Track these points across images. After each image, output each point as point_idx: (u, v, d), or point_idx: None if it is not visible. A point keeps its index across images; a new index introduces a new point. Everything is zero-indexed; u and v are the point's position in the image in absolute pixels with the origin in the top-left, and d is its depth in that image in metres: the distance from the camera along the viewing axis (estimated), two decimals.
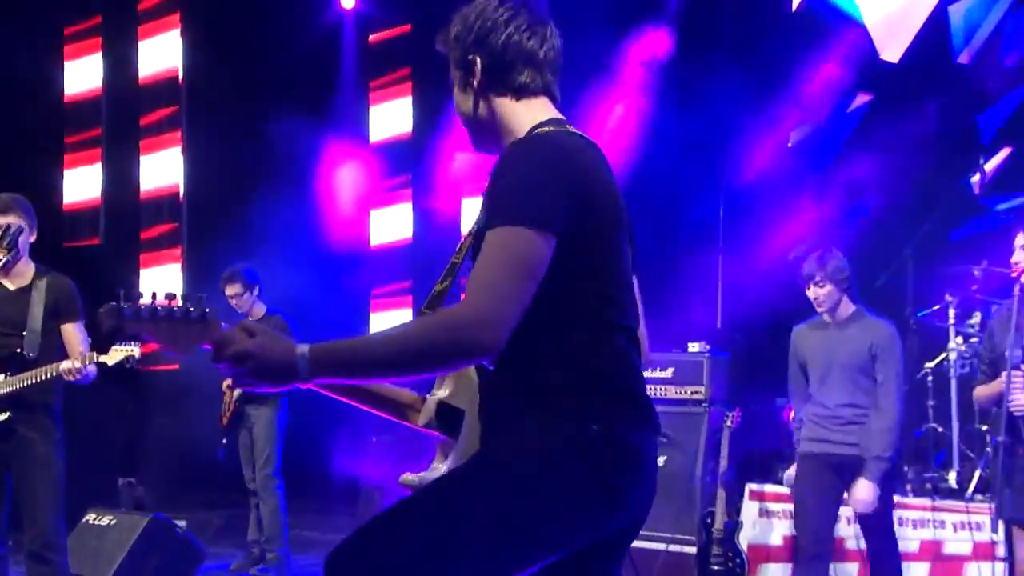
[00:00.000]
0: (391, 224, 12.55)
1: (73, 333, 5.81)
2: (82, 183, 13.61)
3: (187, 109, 12.96)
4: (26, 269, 5.74)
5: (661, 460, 7.96)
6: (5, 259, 5.43)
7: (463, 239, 2.91)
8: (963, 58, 9.47)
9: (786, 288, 9.16)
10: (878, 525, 6.18)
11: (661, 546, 7.78)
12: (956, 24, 9.48)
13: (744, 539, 7.59)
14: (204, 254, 12.17)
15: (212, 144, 12.65)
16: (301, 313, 10.80)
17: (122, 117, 13.33)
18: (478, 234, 2.61)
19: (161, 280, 12.98)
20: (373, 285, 12.49)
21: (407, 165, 12.43)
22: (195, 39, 12.88)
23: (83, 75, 13.63)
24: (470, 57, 2.77)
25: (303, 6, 12.28)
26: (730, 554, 7.56)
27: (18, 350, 5.63)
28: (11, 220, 5.58)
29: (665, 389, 8.27)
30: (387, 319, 12.34)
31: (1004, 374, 5.16)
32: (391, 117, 12.57)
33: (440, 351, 2.44)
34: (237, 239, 11.14)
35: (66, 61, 13.55)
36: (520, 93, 2.76)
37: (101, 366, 5.63)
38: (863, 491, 5.90)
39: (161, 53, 13.15)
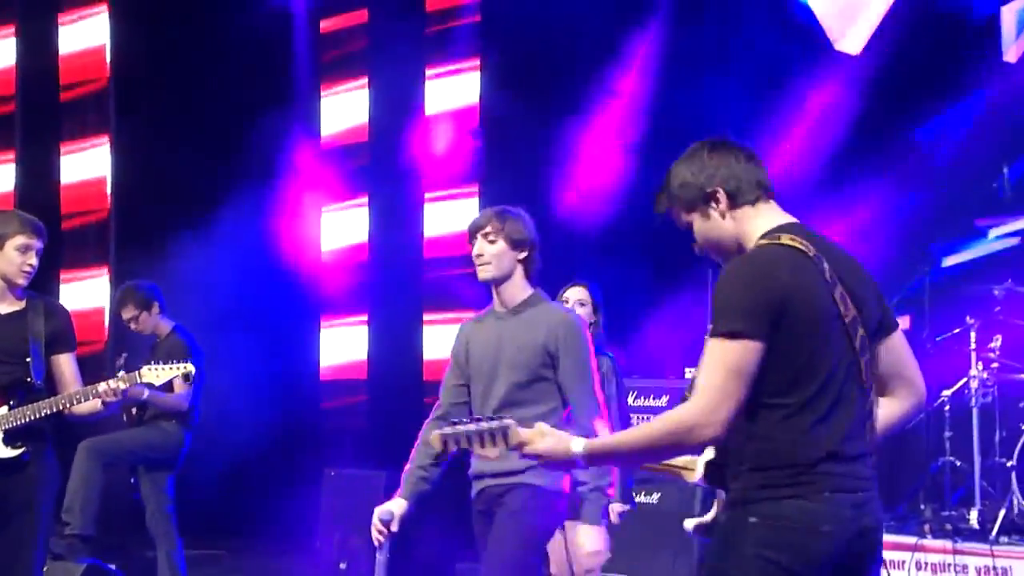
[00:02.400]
0: (345, 226, 12.70)
1: (68, 364, 5.94)
2: None
3: (116, 100, 13.12)
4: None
5: (655, 496, 8.39)
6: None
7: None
8: (1010, 56, 9.89)
9: None
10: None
11: None
12: (1008, 23, 9.98)
13: None
14: (137, 264, 11.93)
15: (144, 139, 12.81)
16: (248, 322, 10.97)
17: (40, 109, 13.52)
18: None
19: (86, 295, 13.09)
20: (324, 293, 12.68)
21: (363, 161, 12.57)
22: (125, 19, 13.02)
23: None
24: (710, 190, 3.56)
25: None
26: None
27: (27, 379, 5.73)
28: (41, 244, 5.85)
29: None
30: (338, 334, 12.57)
31: None
32: (345, 110, 12.72)
33: (675, 444, 3.27)
34: (173, 245, 11.32)
35: None
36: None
37: (148, 387, 5.95)
38: (586, 538, 5.15)
39: (86, 36, 13.31)
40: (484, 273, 5.29)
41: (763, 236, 3.50)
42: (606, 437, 3.67)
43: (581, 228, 10.70)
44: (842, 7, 10.40)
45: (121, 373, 5.84)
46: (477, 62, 11.79)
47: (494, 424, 3.55)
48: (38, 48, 13.62)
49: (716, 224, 3.56)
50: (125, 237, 13.18)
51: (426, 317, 11.94)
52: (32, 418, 5.67)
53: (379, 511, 5.20)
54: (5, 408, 5.70)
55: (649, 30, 10.69)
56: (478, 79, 11.81)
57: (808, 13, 10.29)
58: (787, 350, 3.29)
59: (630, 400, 8.56)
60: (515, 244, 5.27)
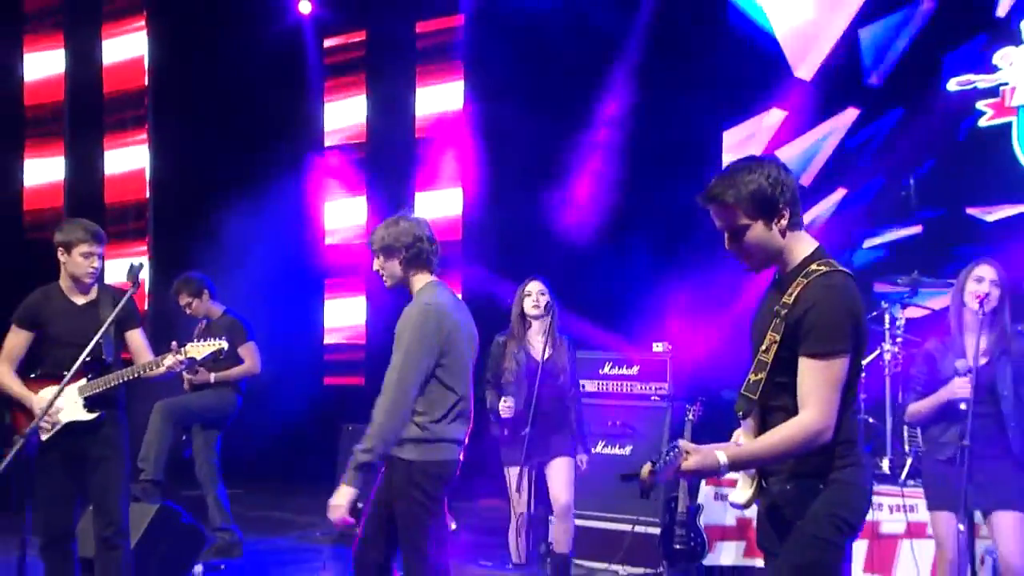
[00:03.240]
0: (345, 216, 12.91)
1: (138, 338, 6.24)
2: (44, 174, 13.87)
3: (152, 103, 13.27)
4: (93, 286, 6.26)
5: (627, 450, 8.71)
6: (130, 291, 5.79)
7: (768, 341, 3.69)
8: (872, 79, 9.99)
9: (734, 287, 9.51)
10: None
11: (628, 527, 8.41)
12: (866, 46, 10.00)
13: (702, 520, 8.18)
14: (172, 245, 12.46)
15: (177, 136, 12.97)
16: (265, 298, 11.01)
17: (86, 113, 13.56)
18: (786, 343, 3.61)
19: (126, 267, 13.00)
20: (327, 274, 12.92)
21: (361, 157, 12.82)
22: (160, 34, 13.20)
23: (44, 67, 13.86)
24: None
25: (264, 10, 12.66)
26: (692, 534, 8.13)
27: (101, 356, 6.00)
28: (101, 249, 6.11)
29: (631, 385, 8.82)
30: (339, 305, 12.92)
31: (956, 381, 5.70)
32: (345, 116, 12.95)
33: (802, 449, 3.52)
34: (202, 228, 11.58)
35: (25, 52, 13.79)
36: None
37: (190, 361, 6.03)
38: (335, 494, 5.01)
39: (126, 48, 13.40)
40: (386, 284, 5.31)
41: (813, 260, 3.67)
42: (746, 447, 3.69)
43: (553, 219, 10.81)
44: (800, 37, 10.36)
45: (174, 344, 6.01)
46: (461, 74, 12.03)
47: (676, 450, 3.54)
48: (84, 59, 13.63)
49: (774, 237, 3.67)
50: (160, 220, 13.36)
51: None
52: (106, 388, 5.97)
53: None
54: (84, 380, 5.98)
55: (623, 51, 10.82)
56: (462, 88, 12.04)
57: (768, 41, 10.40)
58: (855, 357, 3.57)
59: (607, 369, 8.90)
60: (389, 253, 5.20)
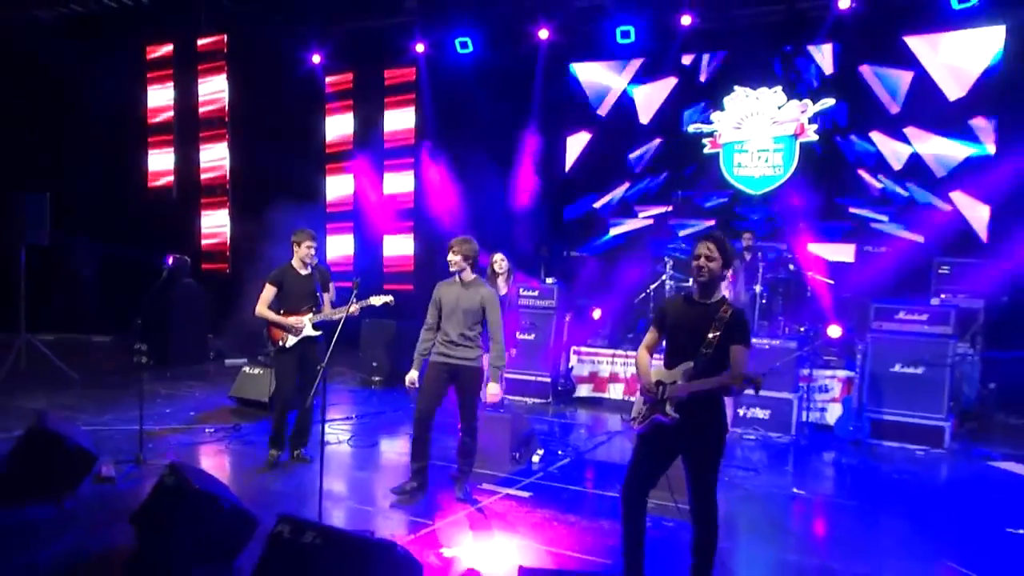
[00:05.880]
0: (340, 188, 13.58)
1: (327, 295, 6.78)
2: (160, 163, 14.23)
3: (230, 121, 13.76)
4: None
5: (532, 336, 9.52)
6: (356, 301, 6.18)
7: (713, 333, 3.86)
8: (642, 120, 11.09)
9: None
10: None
11: (532, 377, 9.56)
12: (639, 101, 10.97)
13: (573, 374, 9.57)
14: (243, 209, 13.11)
15: (244, 142, 13.57)
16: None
17: (187, 125, 13.94)
18: (725, 341, 3.90)
19: (214, 221, 13.72)
20: (328, 220, 13.48)
21: (350, 151, 13.44)
22: (235, 76, 13.62)
23: (161, 97, 14.17)
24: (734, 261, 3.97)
25: (293, 60, 13.19)
26: (566, 381, 9.57)
27: (316, 304, 6.67)
28: (316, 245, 6.53)
29: (534, 302, 9.78)
30: (337, 241, 13.33)
31: None
32: (339, 128, 13.58)
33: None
34: (260, 200, 12.27)
35: (149, 87, 14.08)
36: None
37: (370, 308, 6.42)
38: (493, 389, 5.81)
39: (213, 86, 13.87)
40: (451, 268, 5.85)
41: (722, 295, 4.02)
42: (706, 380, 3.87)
43: (484, 200, 11.44)
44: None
45: (353, 299, 6.08)
46: (412, 102, 12.84)
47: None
48: (186, 92, 13.83)
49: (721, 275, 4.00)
50: (235, 193, 13.85)
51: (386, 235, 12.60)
52: (322, 319, 6.52)
53: (409, 378, 5.87)
54: (311, 314, 6.61)
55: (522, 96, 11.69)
56: (413, 112, 12.87)
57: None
58: None
59: (522, 292, 9.57)
60: (465, 257, 5.81)
